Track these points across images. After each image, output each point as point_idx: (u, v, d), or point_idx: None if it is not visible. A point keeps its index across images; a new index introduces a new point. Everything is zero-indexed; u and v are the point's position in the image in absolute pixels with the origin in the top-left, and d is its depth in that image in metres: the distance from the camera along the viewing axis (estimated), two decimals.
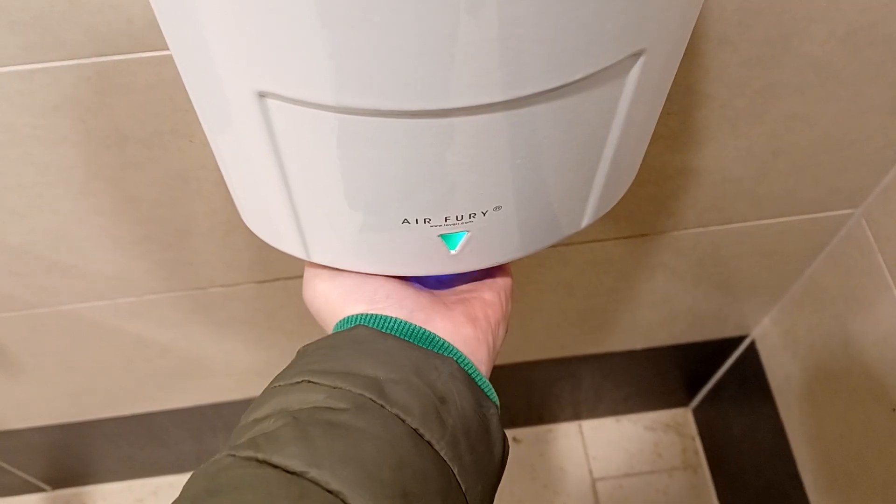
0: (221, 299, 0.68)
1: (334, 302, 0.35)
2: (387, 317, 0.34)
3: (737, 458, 1.06)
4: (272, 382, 0.32)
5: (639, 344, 0.94)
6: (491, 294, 0.37)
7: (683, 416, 1.20)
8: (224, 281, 0.65)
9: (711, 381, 1.09)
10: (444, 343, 0.33)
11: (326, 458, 0.27)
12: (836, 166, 0.60)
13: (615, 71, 0.26)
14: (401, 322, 0.33)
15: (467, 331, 0.34)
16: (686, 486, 1.15)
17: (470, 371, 0.33)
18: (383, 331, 0.33)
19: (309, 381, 0.30)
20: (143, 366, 0.79)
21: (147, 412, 0.92)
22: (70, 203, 0.52)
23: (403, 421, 0.29)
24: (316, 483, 0.26)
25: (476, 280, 0.38)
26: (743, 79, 0.49)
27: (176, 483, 1.16)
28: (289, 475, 0.26)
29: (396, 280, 0.36)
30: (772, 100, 0.52)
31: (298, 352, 0.34)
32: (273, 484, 0.26)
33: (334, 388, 0.30)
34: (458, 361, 0.33)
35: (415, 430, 0.29)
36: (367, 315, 0.34)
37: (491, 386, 0.34)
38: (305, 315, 0.73)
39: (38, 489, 1.15)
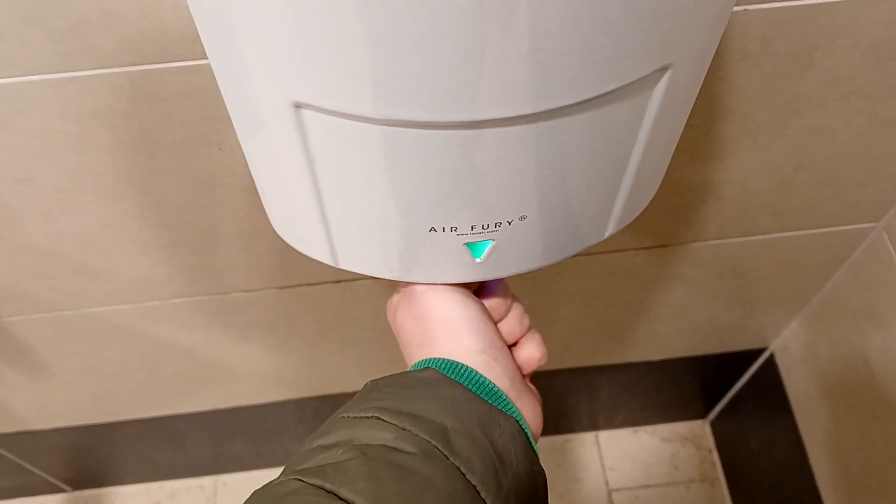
0: (243, 304, 0.68)
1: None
2: (458, 364, 0.35)
3: (754, 472, 1.05)
4: (339, 412, 0.33)
5: (657, 355, 0.93)
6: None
7: (701, 429, 1.19)
8: (247, 286, 0.66)
9: (730, 394, 1.08)
10: (507, 400, 0.35)
11: (393, 499, 0.27)
12: (858, 180, 0.60)
13: (642, 85, 0.26)
14: (469, 371, 0.34)
15: (538, 410, 0.38)
16: (703, 499, 1.14)
17: (528, 435, 0.34)
18: (452, 377, 0.34)
19: (379, 419, 0.31)
20: (165, 369, 0.80)
21: (167, 415, 0.92)
22: (99, 207, 0.53)
23: (464, 475, 0.30)
24: None
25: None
26: (765, 92, 0.50)
27: (193, 487, 1.17)
28: None
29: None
30: (794, 113, 0.52)
31: (366, 385, 0.35)
32: None
33: (403, 429, 0.30)
34: (519, 423, 0.34)
35: (473, 486, 0.30)
36: (439, 360, 0.35)
37: (538, 455, 0.36)
38: (325, 321, 0.73)
39: (59, 490, 1.16)
